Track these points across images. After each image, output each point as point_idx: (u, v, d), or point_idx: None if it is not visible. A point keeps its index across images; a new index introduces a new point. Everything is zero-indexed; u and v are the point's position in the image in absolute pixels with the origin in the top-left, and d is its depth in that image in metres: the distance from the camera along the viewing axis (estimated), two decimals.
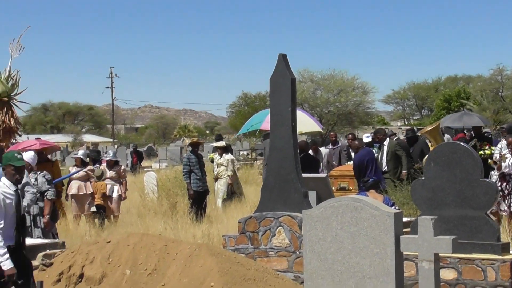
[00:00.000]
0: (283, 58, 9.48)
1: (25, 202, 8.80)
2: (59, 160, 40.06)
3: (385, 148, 15.15)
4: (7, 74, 15.88)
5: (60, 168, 16.40)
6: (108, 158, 15.24)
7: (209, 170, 17.61)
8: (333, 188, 13.79)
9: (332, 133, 20.59)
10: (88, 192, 14.35)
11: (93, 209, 14.35)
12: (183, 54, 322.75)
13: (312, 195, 9.88)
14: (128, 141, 72.41)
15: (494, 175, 12.67)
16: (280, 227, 9.18)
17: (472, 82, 70.07)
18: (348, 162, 16.35)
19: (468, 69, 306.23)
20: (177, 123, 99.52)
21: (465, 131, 20.82)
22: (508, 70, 50.35)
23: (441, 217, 7.39)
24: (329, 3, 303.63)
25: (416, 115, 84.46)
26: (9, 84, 15.87)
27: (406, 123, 79.27)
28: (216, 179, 17.04)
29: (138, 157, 35.32)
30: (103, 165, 15.05)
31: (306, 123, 17.71)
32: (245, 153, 42.85)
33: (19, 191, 7.39)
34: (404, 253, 5.59)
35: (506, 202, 12.12)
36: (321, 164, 16.58)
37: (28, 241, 8.54)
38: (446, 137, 20.36)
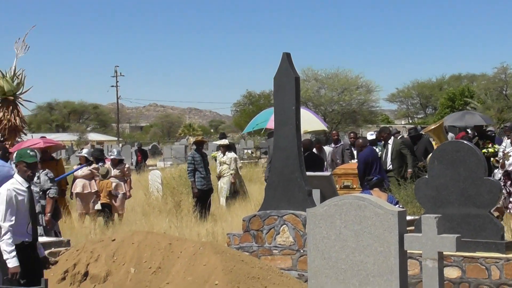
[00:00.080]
0: (287, 57, 9.49)
1: None
2: (64, 158, 40.18)
3: (390, 147, 15.15)
4: (12, 73, 15.95)
5: (66, 166, 16.44)
6: (112, 157, 15.26)
7: (213, 169, 17.62)
8: (337, 187, 13.79)
9: (334, 132, 20.59)
10: (93, 191, 14.37)
11: (98, 207, 14.36)
12: (188, 53, 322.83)
13: (316, 194, 9.89)
14: (133, 140, 72.49)
15: (498, 173, 12.68)
16: (284, 226, 9.20)
17: (476, 81, 69.99)
18: (352, 161, 16.35)
19: (472, 68, 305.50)
20: (182, 121, 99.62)
21: (468, 130, 20.78)
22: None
23: (445, 216, 7.40)
24: (334, 2, 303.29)
25: (420, 113, 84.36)
26: (15, 83, 15.94)
27: (410, 121, 79.17)
28: (219, 177, 17.05)
29: (142, 155, 35.33)
30: (108, 164, 15.07)
31: (311, 122, 17.72)
32: (250, 151, 42.83)
33: (31, 187, 7.43)
34: (408, 251, 5.59)
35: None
36: (325, 162, 16.58)
37: None
38: (450, 135, 20.36)
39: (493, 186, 8.11)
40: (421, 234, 5.50)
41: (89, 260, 8.09)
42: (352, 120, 45.92)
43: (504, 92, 50.84)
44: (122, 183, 14.79)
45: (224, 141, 18.10)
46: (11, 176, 8.32)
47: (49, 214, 10.89)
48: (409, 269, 7.13)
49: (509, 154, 12.19)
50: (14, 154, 10.52)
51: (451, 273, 7.98)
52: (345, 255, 5.67)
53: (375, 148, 14.93)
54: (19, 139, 15.48)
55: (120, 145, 54.26)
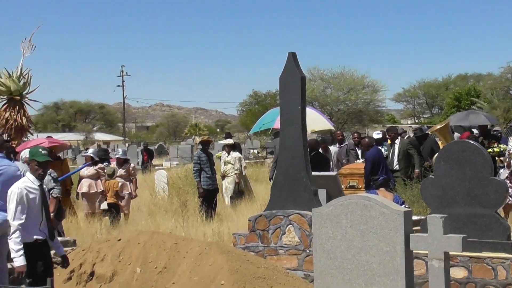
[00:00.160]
0: (292, 57, 9.48)
1: None
2: (70, 158, 40.26)
3: (397, 146, 15.13)
4: (19, 73, 15.96)
5: (72, 166, 16.45)
6: (117, 156, 15.28)
7: (218, 169, 17.61)
8: (342, 187, 13.77)
9: (338, 132, 20.58)
10: (99, 190, 14.38)
11: (103, 206, 14.36)
12: (194, 53, 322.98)
13: (322, 193, 9.89)
14: (139, 140, 72.59)
15: (505, 173, 12.64)
16: (290, 225, 9.19)
17: (482, 80, 69.90)
18: (357, 161, 16.33)
19: (479, 67, 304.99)
20: (188, 121, 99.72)
21: (472, 130, 20.71)
22: None
23: (451, 216, 7.39)
24: (340, 1, 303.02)
25: (426, 113, 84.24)
26: (21, 82, 15.95)
27: (416, 121, 79.07)
28: (223, 176, 17.02)
29: (148, 155, 35.33)
30: (113, 164, 15.09)
31: (317, 121, 17.70)
32: (256, 151, 42.84)
33: (44, 186, 7.47)
34: (414, 251, 5.58)
35: None
36: (330, 162, 16.56)
37: None
38: (456, 135, 20.29)
39: (499, 186, 8.10)
40: (427, 234, 5.48)
41: (95, 260, 8.11)
42: (358, 120, 45.94)
43: (510, 91, 50.76)
44: (127, 183, 14.80)
45: (229, 141, 18.08)
46: (18, 176, 8.35)
47: (52, 214, 10.91)
48: (415, 269, 7.12)
49: None
50: (22, 153, 10.57)
51: (457, 273, 7.97)
52: (351, 255, 5.66)
53: (380, 147, 14.91)
54: (25, 139, 15.49)
55: (126, 144, 54.34)
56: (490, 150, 14.41)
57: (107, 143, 61.98)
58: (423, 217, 9.27)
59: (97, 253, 8.20)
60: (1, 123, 15.55)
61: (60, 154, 15.14)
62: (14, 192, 7.19)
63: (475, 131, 19.28)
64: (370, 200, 5.62)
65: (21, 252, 7.05)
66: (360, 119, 46.07)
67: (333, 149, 18.19)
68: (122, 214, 14.56)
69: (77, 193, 14.94)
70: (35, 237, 7.26)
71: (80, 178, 14.69)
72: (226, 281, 7.08)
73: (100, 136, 75.96)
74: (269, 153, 38.17)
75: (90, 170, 14.54)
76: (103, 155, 15.43)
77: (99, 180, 14.46)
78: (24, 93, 15.97)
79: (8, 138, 14.76)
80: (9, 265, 8.32)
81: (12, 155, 10.30)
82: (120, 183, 14.51)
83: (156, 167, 31.87)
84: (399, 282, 5.45)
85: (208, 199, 14.97)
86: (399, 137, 15.68)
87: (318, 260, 5.83)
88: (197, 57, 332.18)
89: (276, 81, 9.56)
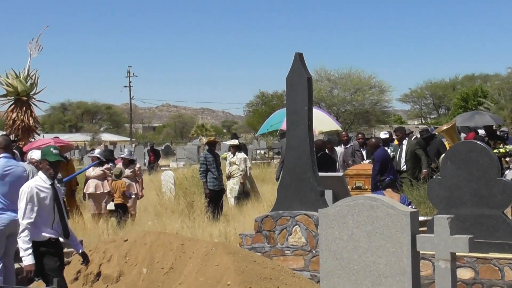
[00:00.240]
0: (299, 57, 9.47)
1: None
2: (77, 159, 40.34)
3: (404, 147, 15.11)
4: (26, 74, 16.01)
5: (78, 167, 16.48)
6: (123, 156, 15.30)
7: (223, 169, 17.60)
8: (349, 187, 13.76)
9: (343, 133, 20.63)
10: (105, 191, 14.40)
11: (110, 206, 14.38)
12: (200, 53, 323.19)
13: (328, 194, 9.88)
14: (145, 140, 72.72)
15: (511, 173, 12.61)
16: (297, 226, 9.19)
17: (489, 81, 69.77)
18: (363, 162, 16.32)
19: (486, 68, 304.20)
20: (195, 122, 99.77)
21: (478, 130, 20.66)
22: None
23: (458, 216, 7.37)
24: (347, 2, 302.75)
25: (433, 114, 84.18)
26: (28, 83, 16.00)
27: (423, 122, 78.98)
28: (229, 177, 17.00)
29: (155, 155, 35.39)
30: (119, 164, 15.10)
31: (325, 122, 17.71)
32: (262, 152, 42.84)
33: (55, 185, 7.49)
34: (420, 252, 5.57)
35: None
36: (337, 163, 16.55)
37: None
38: (462, 136, 20.25)
39: (506, 186, 8.07)
40: (434, 235, 5.47)
41: (101, 260, 8.12)
42: (364, 121, 45.92)
43: None
44: (134, 183, 14.81)
45: (234, 141, 18.06)
46: (24, 177, 8.38)
47: None
48: (422, 270, 7.11)
49: None
50: (28, 154, 10.60)
51: (464, 274, 7.95)
52: (357, 256, 5.65)
53: (386, 148, 14.90)
54: (32, 139, 15.54)
55: (133, 145, 54.39)
56: (495, 151, 14.38)
57: (114, 143, 62.06)
58: (430, 217, 9.26)
59: (103, 253, 8.20)
60: (8, 124, 15.61)
61: (67, 155, 15.14)
62: (24, 191, 7.24)
63: (480, 131, 19.23)
64: (377, 201, 5.61)
65: (30, 251, 7.07)
66: (367, 120, 46.04)
67: (339, 150, 18.18)
68: (128, 215, 14.58)
69: (84, 193, 14.96)
70: (47, 235, 7.28)
71: (87, 179, 14.71)
72: (232, 282, 7.08)
73: (106, 137, 76.14)
74: (276, 153, 38.17)
75: (97, 170, 14.55)
76: (108, 156, 15.45)
77: (106, 181, 14.48)
78: (31, 93, 16.02)
79: (16, 139, 14.81)
80: (16, 265, 8.35)
81: (20, 155, 10.34)
82: (126, 184, 14.53)
83: (163, 168, 31.91)
84: (405, 283, 5.44)
85: (215, 199, 14.97)
86: (407, 138, 15.65)
87: (324, 261, 5.83)
88: (204, 58, 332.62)
89: (283, 81, 9.56)
